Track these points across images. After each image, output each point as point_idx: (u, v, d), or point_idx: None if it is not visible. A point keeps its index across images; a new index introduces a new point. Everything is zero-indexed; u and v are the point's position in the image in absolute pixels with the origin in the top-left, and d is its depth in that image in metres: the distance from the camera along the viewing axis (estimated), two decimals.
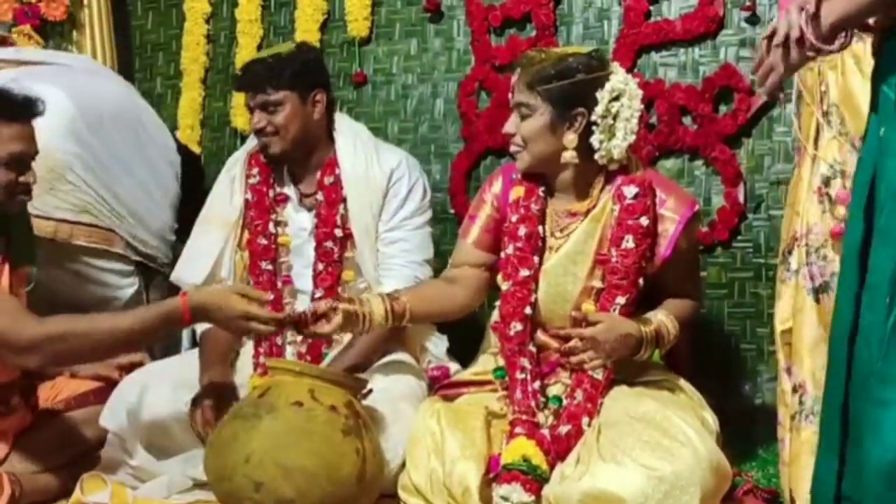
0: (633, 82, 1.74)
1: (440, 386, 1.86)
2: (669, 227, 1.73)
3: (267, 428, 1.51)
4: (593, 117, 1.70)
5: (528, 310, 1.74)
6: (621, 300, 1.69)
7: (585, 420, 1.65)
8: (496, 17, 2.54)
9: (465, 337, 2.09)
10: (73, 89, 2.29)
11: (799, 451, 1.61)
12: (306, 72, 2.01)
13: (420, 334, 2.07)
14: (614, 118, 1.70)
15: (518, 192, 1.80)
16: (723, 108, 2.36)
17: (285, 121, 1.98)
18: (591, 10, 2.50)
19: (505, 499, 1.55)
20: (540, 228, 1.77)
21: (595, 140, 1.70)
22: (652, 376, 1.75)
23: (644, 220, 1.69)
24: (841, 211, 1.58)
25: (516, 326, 1.74)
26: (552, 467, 1.61)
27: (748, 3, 2.31)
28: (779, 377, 1.74)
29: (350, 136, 2.07)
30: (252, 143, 2.15)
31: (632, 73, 2.40)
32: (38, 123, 1.84)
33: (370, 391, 1.74)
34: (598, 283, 1.72)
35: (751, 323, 2.35)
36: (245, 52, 2.83)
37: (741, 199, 2.32)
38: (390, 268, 2.01)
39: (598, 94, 1.70)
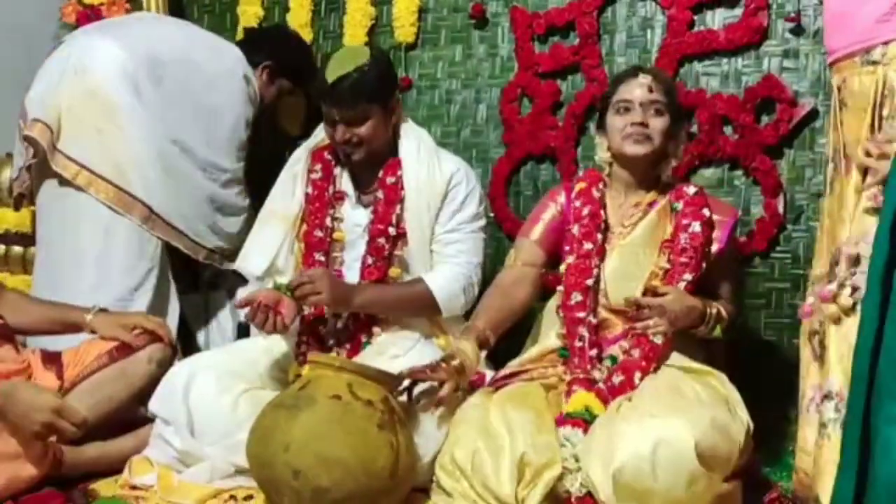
0: None
1: (489, 381, 1.91)
2: (719, 228, 1.92)
3: (306, 419, 1.56)
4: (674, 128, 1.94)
5: (589, 281, 1.87)
6: (688, 276, 1.81)
7: (637, 374, 1.75)
8: (540, 25, 2.58)
9: (500, 344, 2.12)
10: (126, 39, 2.37)
11: (829, 458, 1.59)
12: (387, 82, 2.09)
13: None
14: (683, 136, 2.02)
15: (580, 185, 1.98)
16: (764, 119, 2.36)
17: (370, 132, 2.05)
18: (635, 18, 2.52)
19: (567, 439, 1.65)
20: (602, 212, 1.94)
21: (672, 146, 1.95)
22: (698, 363, 1.80)
23: (706, 211, 1.86)
24: None
25: (577, 297, 1.87)
26: None
27: (793, 14, 2.31)
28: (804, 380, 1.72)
29: (415, 140, 2.13)
30: (314, 140, 2.21)
31: (674, 82, 2.43)
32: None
33: (406, 388, 1.79)
34: (665, 264, 1.85)
35: (787, 334, 2.34)
36: None
37: (781, 210, 2.32)
38: (445, 261, 2.09)
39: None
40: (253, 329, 2.51)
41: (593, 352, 1.83)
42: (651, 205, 1.93)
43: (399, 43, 2.76)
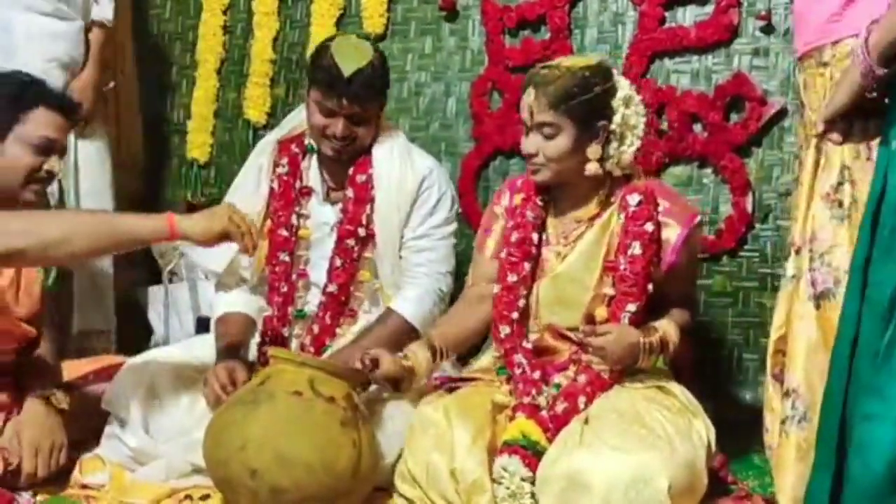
0: (630, 85, 1.78)
1: (445, 381, 1.86)
2: (672, 235, 1.76)
3: (265, 416, 1.51)
4: (612, 127, 1.73)
5: (515, 314, 1.78)
6: (632, 307, 1.71)
7: (582, 399, 1.67)
8: (511, 19, 2.55)
9: None
10: None
11: (786, 455, 1.61)
12: (388, 81, 2.02)
13: None
14: (626, 126, 1.74)
15: (517, 199, 1.85)
16: (734, 117, 2.36)
17: (367, 132, 1.99)
18: (606, 14, 2.50)
19: (505, 469, 1.56)
20: (534, 236, 1.80)
21: (611, 148, 1.74)
22: (652, 381, 1.76)
23: (649, 226, 1.72)
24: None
25: (505, 329, 1.78)
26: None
27: (763, 13, 2.32)
28: (766, 383, 1.74)
29: (389, 139, 2.06)
30: (282, 130, 2.13)
31: (644, 78, 2.42)
32: None
33: (369, 384, 1.75)
34: (609, 291, 1.74)
35: (754, 332, 2.35)
36: (260, 44, 2.85)
37: (749, 208, 2.32)
38: (415, 276, 2.02)
39: (614, 104, 1.73)
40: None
41: (536, 374, 1.74)
42: (594, 219, 1.78)
43: (368, 34, 2.71)
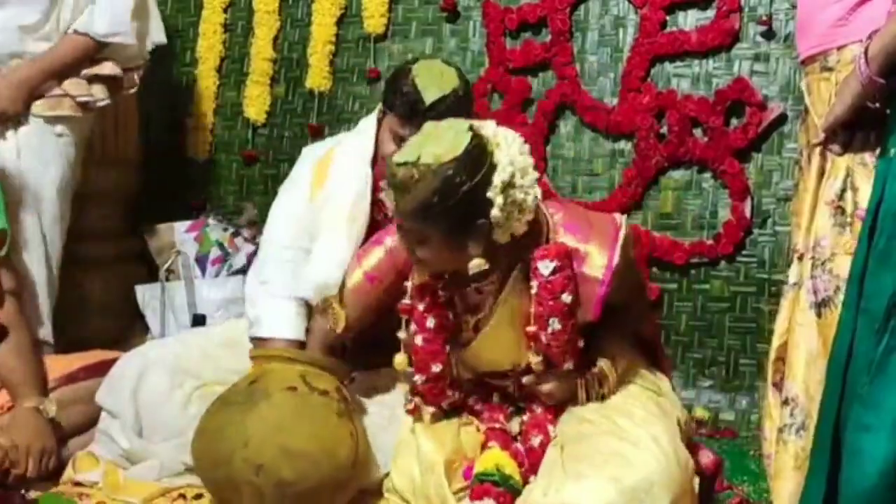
0: (515, 144, 1.50)
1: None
2: (597, 271, 1.56)
3: (264, 412, 1.51)
4: (492, 218, 1.47)
5: (445, 401, 1.68)
6: (569, 365, 1.60)
7: (550, 428, 1.62)
8: (512, 20, 2.55)
9: None
10: None
11: (784, 463, 1.60)
12: (472, 113, 1.82)
13: None
14: (511, 206, 1.49)
15: (423, 276, 1.63)
16: (734, 122, 2.36)
17: None
18: (607, 17, 2.50)
19: None
20: (450, 314, 1.64)
21: (498, 233, 1.51)
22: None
23: (566, 297, 1.54)
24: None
25: (442, 405, 1.69)
26: (525, 480, 1.56)
27: (764, 18, 2.32)
28: (767, 392, 1.73)
29: None
30: (371, 149, 1.90)
31: (645, 82, 2.42)
32: None
33: (353, 379, 1.75)
34: (535, 359, 1.60)
35: (751, 338, 2.34)
36: (261, 42, 2.85)
37: (747, 213, 2.32)
38: None
39: (490, 195, 1.45)
40: (209, 320, 2.46)
41: (495, 398, 1.69)
42: (500, 289, 1.60)
43: (368, 33, 2.71)
